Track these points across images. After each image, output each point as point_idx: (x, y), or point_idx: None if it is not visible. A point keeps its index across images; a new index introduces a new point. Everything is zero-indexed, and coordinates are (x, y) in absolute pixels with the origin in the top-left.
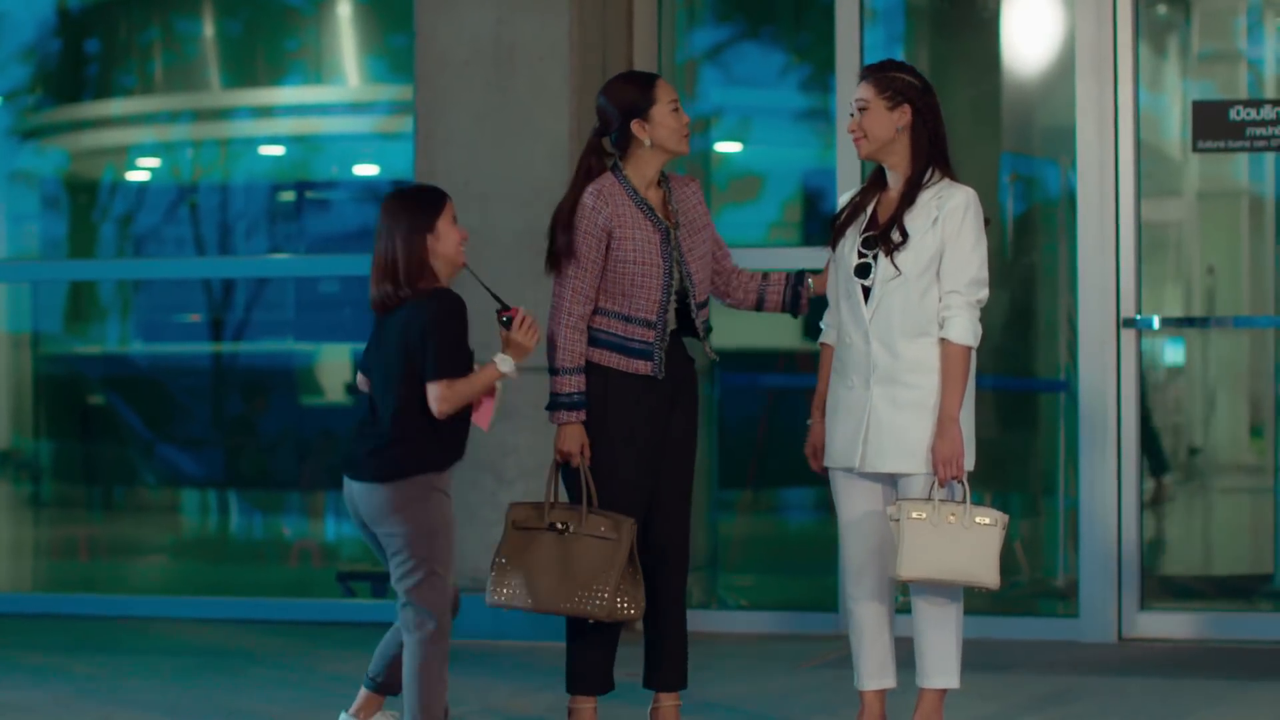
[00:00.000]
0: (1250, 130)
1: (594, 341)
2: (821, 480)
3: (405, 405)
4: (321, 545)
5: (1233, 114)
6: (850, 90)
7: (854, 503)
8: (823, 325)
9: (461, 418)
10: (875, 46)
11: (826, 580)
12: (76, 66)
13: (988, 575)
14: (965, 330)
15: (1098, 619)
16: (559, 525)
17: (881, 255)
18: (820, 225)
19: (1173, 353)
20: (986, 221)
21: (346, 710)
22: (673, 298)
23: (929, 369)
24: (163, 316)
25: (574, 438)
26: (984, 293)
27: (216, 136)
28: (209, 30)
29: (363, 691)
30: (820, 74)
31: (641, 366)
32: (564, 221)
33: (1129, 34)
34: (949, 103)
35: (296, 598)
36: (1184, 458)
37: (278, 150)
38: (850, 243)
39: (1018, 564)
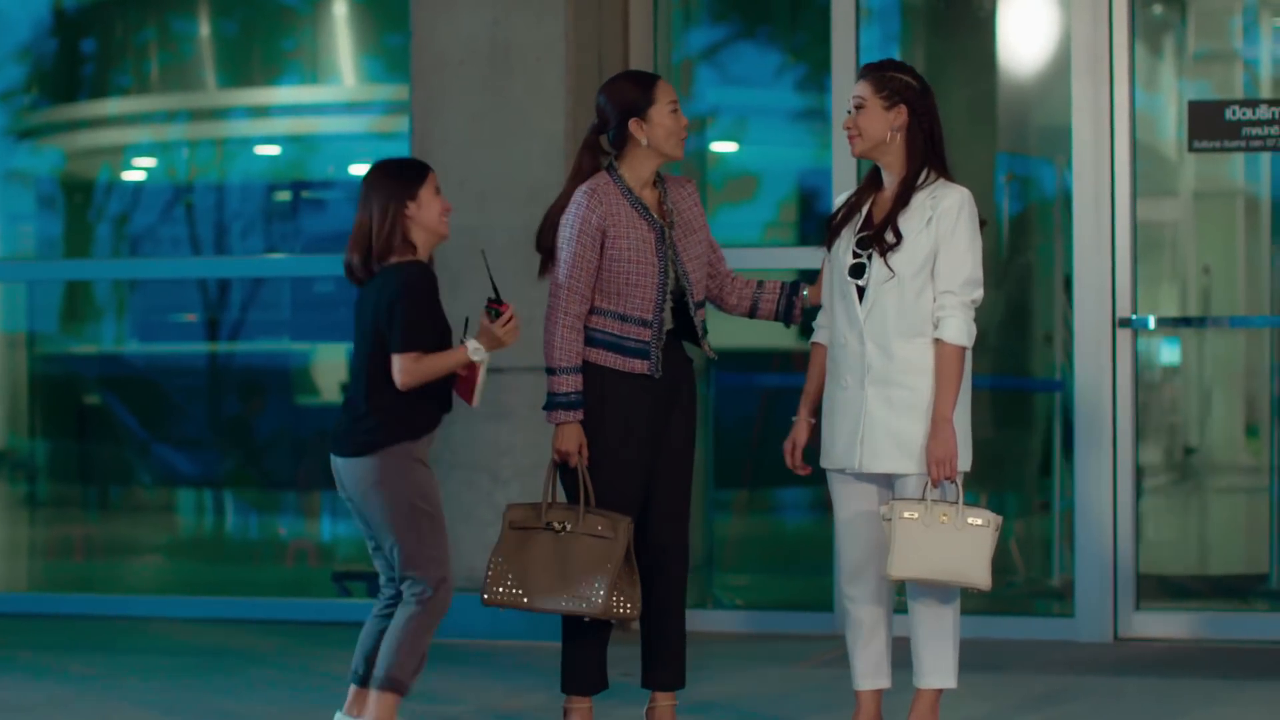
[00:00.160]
0: (1246, 130)
1: (590, 341)
2: (817, 480)
3: (376, 377)
4: (317, 545)
5: (1229, 114)
6: (846, 90)
7: (850, 503)
8: (815, 325)
9: (435, 387)
10: (871, 46)
11: (822, 580)
12: (72, 66)
13: (979, 576)
14: (959, 331)
15: (1093, 619)
16: (556, 525)
17: (876, 256)
18: (816, 225)
19: (1168, 353)
20: (983, 222)
21: (341, 710)
22: (668, 297)
23: (923, 370)
24: (158, 316)
25: (572, 437)
26: (978, 293)
27: (212, 136)
28: (205, 30)
29: (352, 689)
30: (816, 74)
31: (638, 366)
32: (558, 220)
33: (1125, 34)
34: (945, 102)
35: (292, 597)
36: (1180, 458)
37: (274, 150)
38: (845, 243)
39: (1014, 564)
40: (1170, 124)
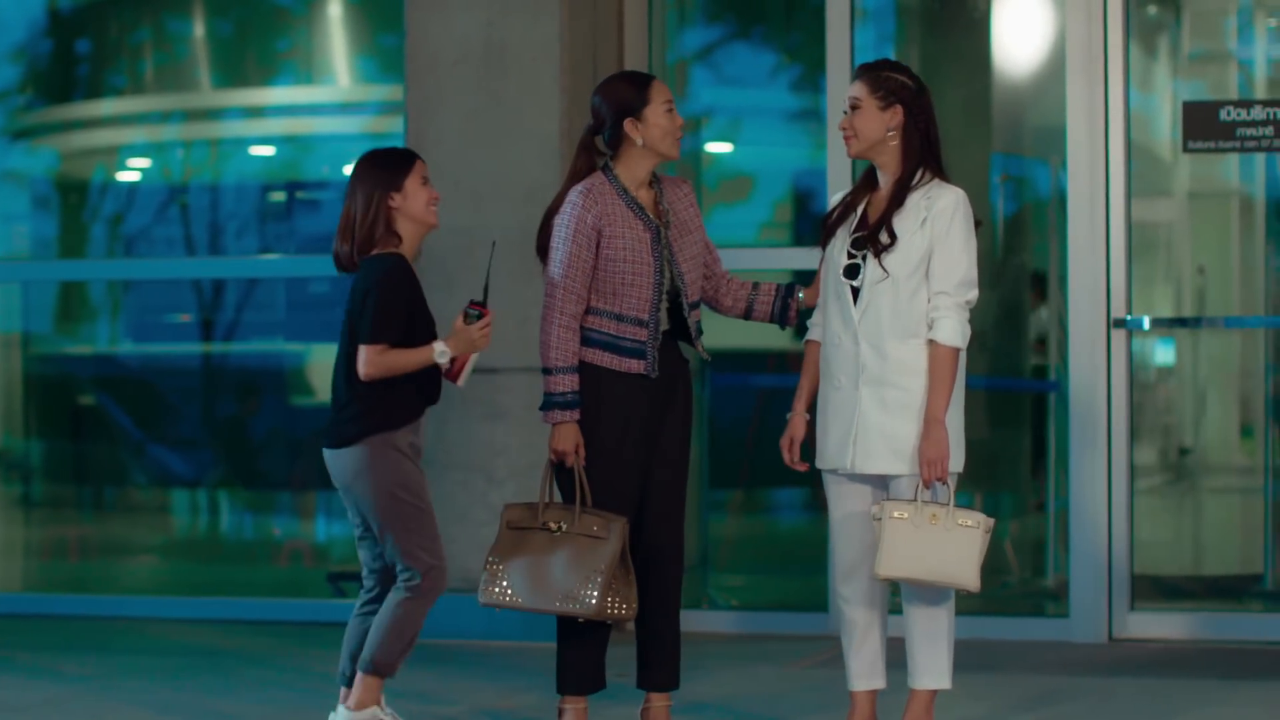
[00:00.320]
0: (1240, 131)
1: (586, 341)
2: (812, 481)
3: (353, 368)
4: (312, 546)
5: (1223, 114)
6: (841, 90)
7: (844, 503)
8: (810, 322)
9: (417, 377)
10: (866, 46)
11: (817, 581)
12: (67, 66)
13: (968, 577)
14: (953, 331)
15: (1088, 619)
16: (552, 525)
17: (870, 256)
18: (811, 226)
19: (1163, 353)
20: (978, 223)
21: (334, 711)
22: (664, 297)
23: (917, 371)
24: (153, 317)
25: (568, 437)
26: (973, 294)
27: (207, 137)
28: (199, 30)
29: (342, 691)
30: (811, 74)
31: (634, 365)
32: (551, 222)
33: (1119, 34)
34: (939, 103)
35: (287, 598)
36: (1174, 458)
37: (268, 150)
38: (840, 243)
39: (1008, 564)
40: (1165, 124)
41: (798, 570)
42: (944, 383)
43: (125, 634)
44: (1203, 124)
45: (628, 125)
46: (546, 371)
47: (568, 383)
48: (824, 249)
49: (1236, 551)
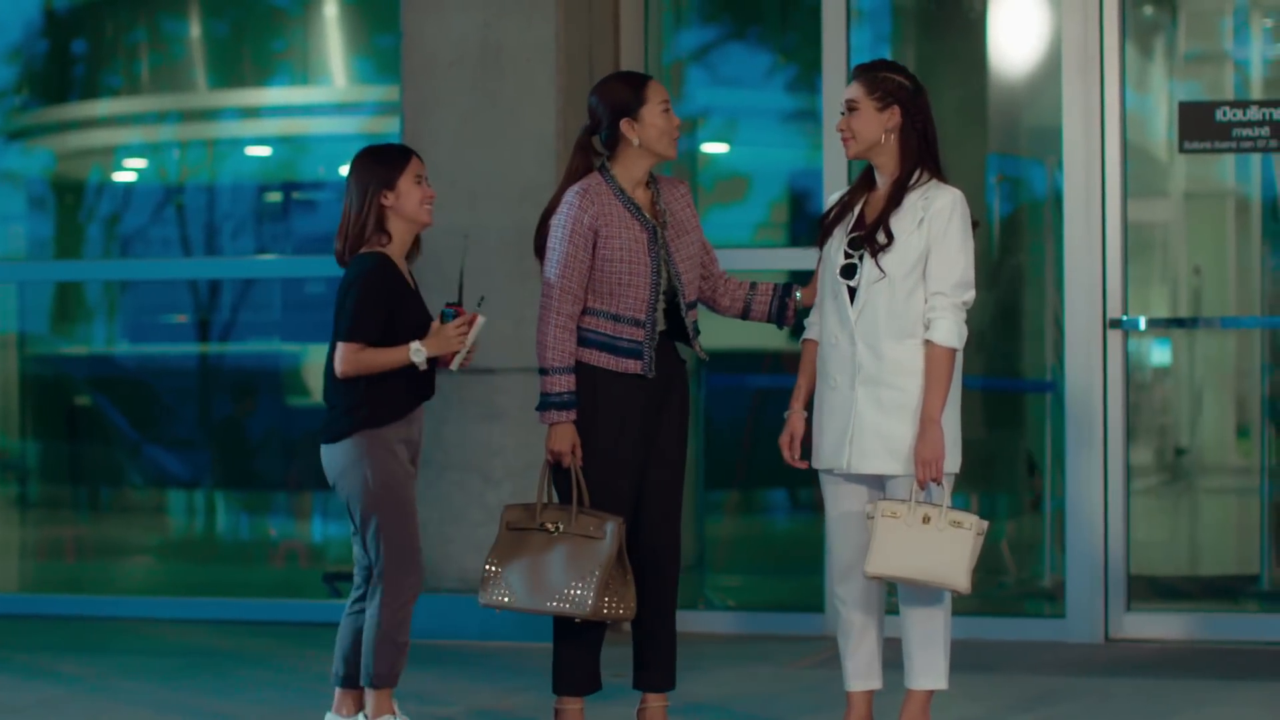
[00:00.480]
0: (1236, 131)
1: (583, 341)
2: (808, 481)
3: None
4: (308, 546)
5: (1219, 115)
6: (837, 91)
7: (840, 503)
8: (807, 322)
9: (404, 372)
10: (862, 47)
11: (813, 581)
12: (63, 67)
13: (958, 578)
14: (950, 332)
15: (1084, 619)
16: (549, 526)
17: (867, 256)
18: (807, 226)
19: (1159, 353)
20: (975, 224)
21: (331, 710)
22: (661, 297)
23: (913, 371)
24: (149, 317)
25: (565, 437)
26: (970, 294)
27: (203, 137)
28: (195, 31)
29: (337, 691)
30: (807, 74)
31: (631, 365)
32: (549, 221)
33: (1115, 34)
34: (935, 103)
35: (283, 598)
36: (1170, 458)
37: (264, 151)
38: (837, 243)
39: (1005, 565)
40: (1161, 125)
41: (794, 571)
42: (940, 383)
43: (121, 634)
44: (1199, 124)
45: (624, 125)
46: (543, 372)
47: (564, 383)
48: (821, 249)
49: (1232, 552)
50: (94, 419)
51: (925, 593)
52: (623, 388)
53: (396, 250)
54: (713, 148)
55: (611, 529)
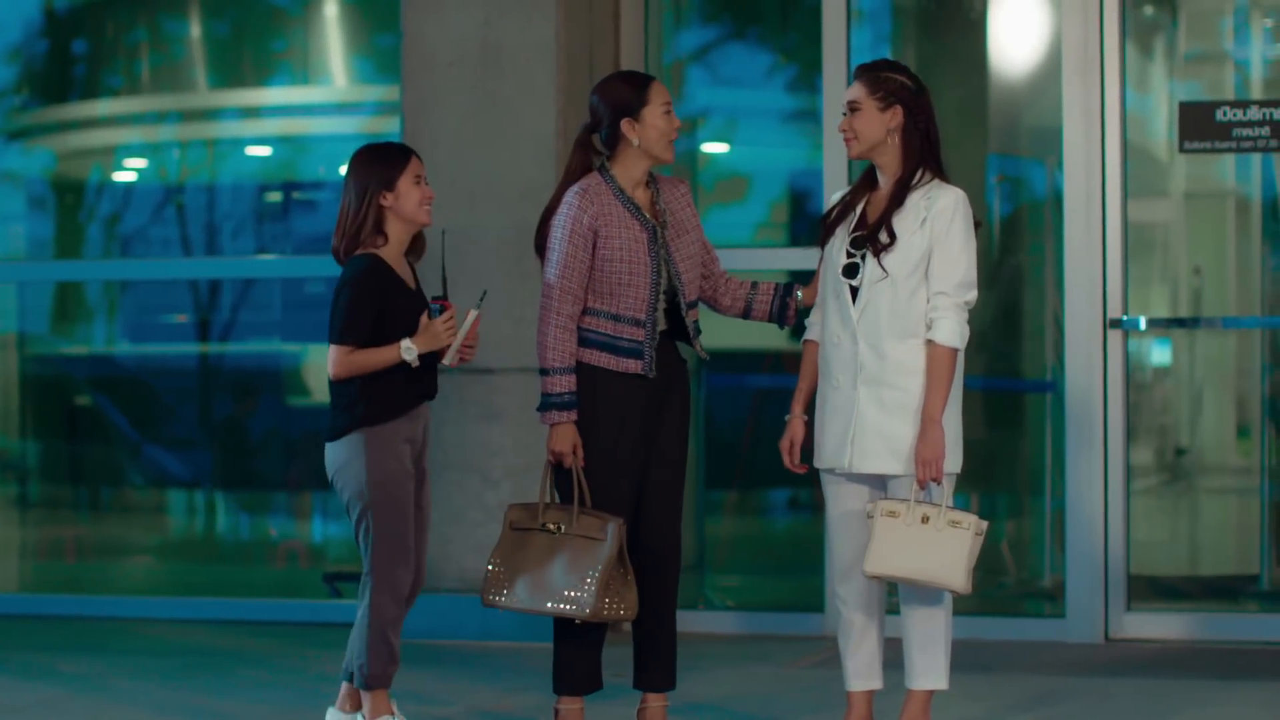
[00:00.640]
0: (1237, 131)
1: (584, 341)
2: (808, 481)
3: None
4: (308, 546)
5: (1219, 115)
6: (837, 91)
7: (841, 503)
8: (808, 322)
9: (403, 369)
10: (862, 47)
11: (814, 581)
12: (63, 67)
13: (955, 579)
14: (952, 332)
15: (1084, 619)
16: (550, 526)
17: (869, 256)
18: (808, 226)
19: (1159, 353)
20: (977, 224)
21: (332, 705)
22: (661, 297)
23: (915, 371)
24: (149, 317)
25: (566, 437)
26: (972, 294)
27: (203, 137)
28: (196, 31)
29: (343, 685)
30: (807, 74)
31: (632, 365)
32: (550, 221)
33: (1116, 35)
34: (936, 103)
35: (283, 598)
36: (1170, 458)
37: (264, 151)
38: (839, 242)
39: (1005, 565)
40: (1161, 125)
41: (794, 571)
42: (941, 383)
43: (121, 634)
44: (1199, 124)
45: (625, 125)
46: (543, 372)
47: (565, 383)
48: (823, 248)
49: (1232, 552)
50: (94, 419)
51: (926, 593)
52: (623, 388)
53: (393, 250)
54: (713, 147)
55: (612, 530)
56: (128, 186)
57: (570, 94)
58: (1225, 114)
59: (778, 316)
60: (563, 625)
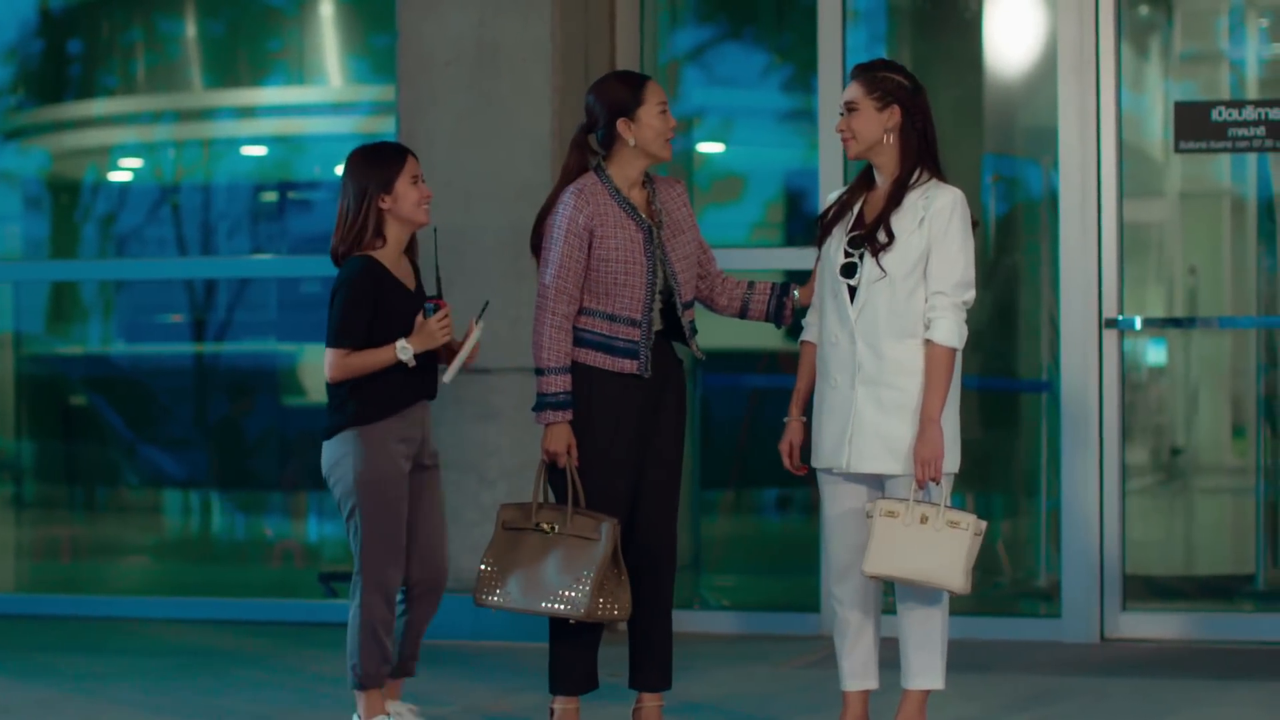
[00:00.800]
0: (1232, 131)
1: (579, 341)
2: (804, 481)
3: None
4: (304, 546)
5: (1215, 115)
6: (833, 91)
7: (838, 502)
8: (805, 322)
9: (399, 367)
10: (857, 47)
11: (809, 581)
12: (58, 67)
13: (954, 579)
14: (950, 332)
15: (1080, 619)
16: (544, 526)
17: (867, 255)
18: (803, 226)
19: (1155, 353)
20: (975, 224)
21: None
22: (657, 297)
23: (913, 371)
24: (145, 317)
25: (561, 437)
26: (970, 294)
27: (199, 137)
28: (191, 30)
29: (386, 684)
30: (803, 74)
31: (627, 365)
32: (545, 221)
33: (1111, 34)
34: (931, 103)
35: (279, 598)
36: (1166, 458)
37: (260, 151)
38: (837, 241)
39: (1000, 565)
40: (1156, 125)
41: (790, 570)
42: (940, 383)
43: (117, 634)
44: (1194, 124)
45: (621, 125)
46: (539, 372)
47: (560, 383)
48: (820, 247)
49: (1228, 551)
50: (90, 419)
51: (923, 592)
52: (619, 388)
53: (391, 251)
54: (708, 147)
55: (606, 530)
56: (123, 186)
57: (566, 94)
58: (1221, 114)
59: (774, 316)
60: (558, 625)
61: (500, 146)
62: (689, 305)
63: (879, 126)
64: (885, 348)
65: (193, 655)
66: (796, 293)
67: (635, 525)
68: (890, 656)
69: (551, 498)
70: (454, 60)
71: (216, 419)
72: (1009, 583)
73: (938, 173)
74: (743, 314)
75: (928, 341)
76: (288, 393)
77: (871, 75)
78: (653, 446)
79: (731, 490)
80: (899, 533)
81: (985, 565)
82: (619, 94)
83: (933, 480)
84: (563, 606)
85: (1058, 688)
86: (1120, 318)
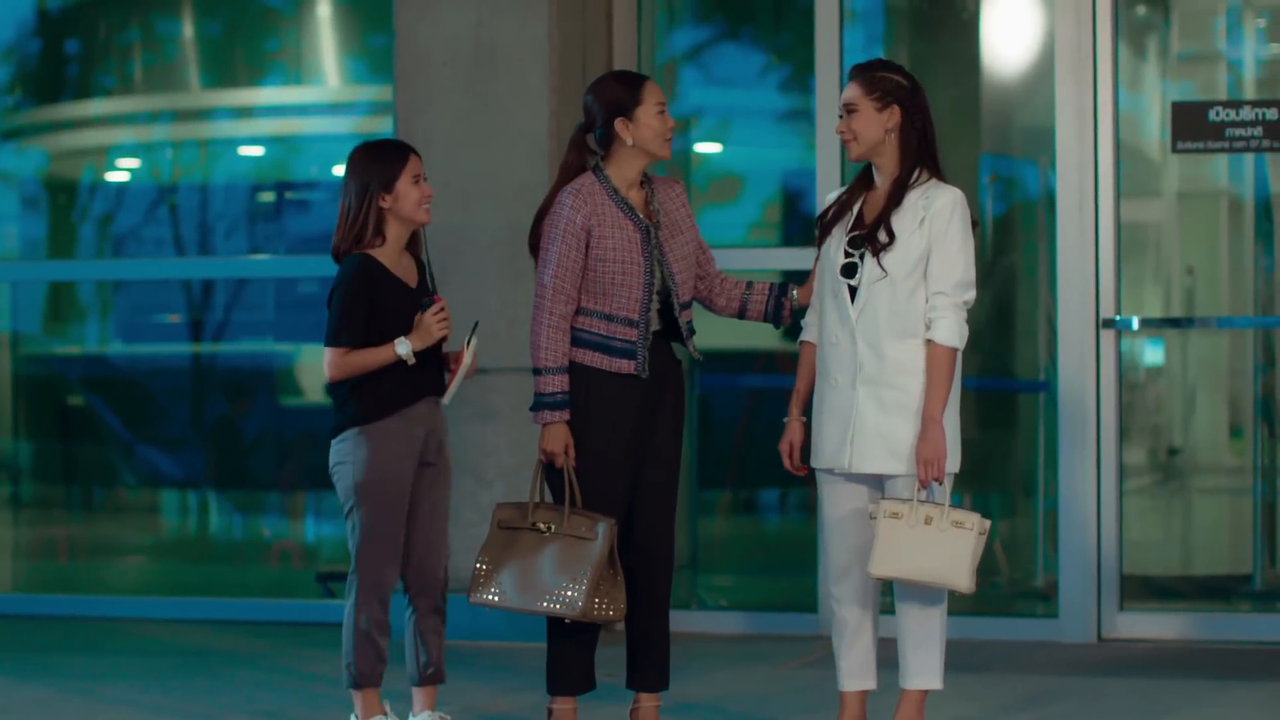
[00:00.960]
0: (1229, 131)
1: (577, 341)
2: (802, 481)
3: None
4: (301, 546)
5: (1212, 115)
6: (830, 91)
7: (839, 503)
8: (804, 323)
9: (400, 365)
10: (855, 47)
11: (807, 581)
12: (56, 67)
13: (960, 579)
14: (951, 332)
15: (1077, 619)
16: (541, 526)
17: (868, 255)
18: (801, 226)
19: (1152, 353)
20: (974, 223)
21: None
22: (654, 297)
23: (914, 371)
24: (142, 317)
25: (558, 437)
26: (971, 294)
27: (196, 137)
28: (188, 31)
29: (413, 691)
30: (800, 75)
31: (625, 365)
32: (543, 221)
33: (1108, 35)
34: (929, 103)
35: (277, 598)
36: (1163, 458)
37: (257, 151)
38: (837, 241)
39: (998, 565)
40: (1154, 125)
41: (788, 570)
42: (941, 383)
43: (115, 634)
44: (1192, 124)
45: (619, 125)
46: (536, 372)
47: (557, 383)
48: (819, 247)
49: (1225, 551)
50: (87, 419)
51: (923, 592)
52: (616, 388)
53: (391, 249)
54: (706, 147)
55: (603, 530)
56: (121, 186)
57: (564, 94)
58: (1218, 114)
59: (773, 316)
60: (556, 625)
61: (498, 147)
62: (686, 305)
63: (879, 127)
64: (886, 348)
65: (190, 655)
66: (795, 293)
67: (633, 525)
68: (888, 656)
69: (549, 497)
70: (451, 60)
71: (214, 419)
72: (1006, 583)
73: (937, 172)
74: (741, 314)
75: (929, 341)
76: (285, 393)
77: (870, 75)
78: (650, 446)
79: (729, 490)
80: (904, 533)
81: (983, 565)
82: (617, 94)
83: (935, 480)
84: (559, 606)
85: (1055, 688)
86: (1118, 318)
